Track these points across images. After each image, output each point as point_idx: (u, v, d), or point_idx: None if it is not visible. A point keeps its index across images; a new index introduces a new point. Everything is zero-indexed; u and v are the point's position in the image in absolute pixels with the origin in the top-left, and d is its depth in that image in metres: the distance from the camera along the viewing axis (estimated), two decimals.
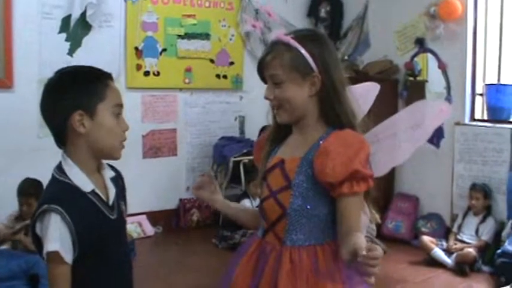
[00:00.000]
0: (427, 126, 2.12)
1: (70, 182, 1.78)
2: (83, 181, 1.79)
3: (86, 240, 1.73)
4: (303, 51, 1.86)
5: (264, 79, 1.95)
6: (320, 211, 1.88)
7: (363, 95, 2.11)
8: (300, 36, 1.91)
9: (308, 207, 1.87)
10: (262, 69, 1.93)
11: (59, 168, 1.81)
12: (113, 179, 1.92)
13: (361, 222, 1.89)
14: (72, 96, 1.77)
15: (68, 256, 1.72)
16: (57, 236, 1.70)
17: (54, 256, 1.70)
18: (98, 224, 1.80)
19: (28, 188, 4.46)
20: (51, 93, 1.82)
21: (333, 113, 1.89)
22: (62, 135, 1.81)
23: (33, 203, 4.41)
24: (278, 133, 2.03)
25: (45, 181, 1.84)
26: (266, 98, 1.93)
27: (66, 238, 1.71)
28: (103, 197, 1.84)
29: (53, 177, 1.81)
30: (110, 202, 1.87)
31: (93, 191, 1.81)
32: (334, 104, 1.88)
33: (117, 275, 1.89)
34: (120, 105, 1.86)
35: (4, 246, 4.44)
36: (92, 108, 1.78)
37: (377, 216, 2.03)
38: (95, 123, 1.79)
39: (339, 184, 1.79)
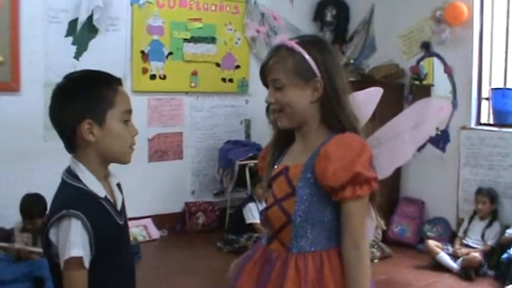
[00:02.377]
0: (427, 125, 2.11)
1: (84, 187, 1.77)
2: (96, 186, 1.79)
3: (100, 245, 1.73)
4: (306, 56, 1.85)
5: (266, 84, 1.94)
6: (325, 217, 1.87)
7: (365, 101, 2.10)
8: (304, 41, 1.90)
9: (313, 213, 1.86)
10: (264, 74, 1.93)
11: (70, 172, 1.80)
12: (117, 185, 1.92)
13: (366, 228, 1.88)
14: (81, 104, 1.76)
15: (87, 261, 1.71)
16: (79, 241, 1.68)
17: (77, 262, 1.68)
18: (110, 229, 1.80)
19: (31, 209, 4.48)
20: (59, 100, 1.80)
21: (335, 119, 1.88)
22: (71, 142, 1.81)
23: (37, 221, 4.44)
24: (281, 140, 2.02)
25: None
26: (267, 101, 1.93)
27: (86, 243, 1.70)
28: (112, 202, 1.85)
29: (65, 181, 1.80)
30: (118, 208, 1.87)
31: (105, 197, 1.81)
32: (337, 110, 1.87)
33: (124, 279, 1.90)
34: (129, 111, 1.84)
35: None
36: (101, 117, 1.77)
37: (382, 222, 2.02)
38: (104, 131, 1.78)
39: (340, 188, 1.78)
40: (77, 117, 1.76)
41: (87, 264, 1.70)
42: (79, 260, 1.68)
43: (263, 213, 1.99)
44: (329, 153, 1.80)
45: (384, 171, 2.01)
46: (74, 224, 1.69)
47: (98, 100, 1.78)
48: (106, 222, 1.79)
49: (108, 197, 1.83)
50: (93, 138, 1.77)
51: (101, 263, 1.74)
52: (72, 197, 1.76)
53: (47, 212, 4.44)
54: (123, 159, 1.86)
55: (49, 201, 4.36)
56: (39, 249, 4.30)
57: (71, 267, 1.69)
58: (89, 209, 1.73)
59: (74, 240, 1.68)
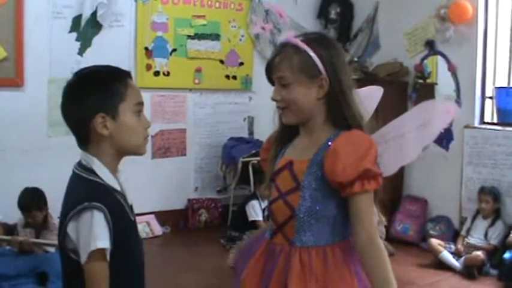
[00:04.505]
0: (434, 127, 2.11)
1: (102, 181, 1.78)
2: (112, 181, 1.80)
3: (117, 239, 1.73)
4: (311, 53, 1.86)
5: (271, 81, 1.95)
6: (329, 212, 1.88)
7: (367, 98, 2.10)
8: (309, 39, 1.91)
9: (317, 208, 1.87)
10: (270, 71, 1.94)
11: (84, 167, 1.80)
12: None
13: (374, 220, 1.89)
14: (93, 99, 1.77)
15: (108, 254, 1.71)
16: (104, 233, 1.68)
17: (101, 253, 1.68)
18: (126, 224, 1.81)
19: (28, 202, 4.48)
20: (70, 96, 1.81)
21: (341, 115, 1.89)
22: (84, 137, 1.81)
23: (37, 214, 4.45)
24: (284, 134, 2.03)
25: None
26: (273, 99, 1.93)
27: (108, 236, 1.71)
28: (125, 197, 1.86)
29: (80, 176, 1.79)
30: (129, 203, 1.88)
31: (120, 191, 1.82)
32: (342, 107, 1.88)
33: (136, 274, 1.90)
34: (140, 103, 1.86)
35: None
36: (114, 110, 1.78)
37: (383, 218, 2.03)
38: (118, 124, 1.79)
39: (349, 184, 1.79)
40: (89, 112, 1.76)
41: (108, 257, 1.71)
42: (103, 252, 1.68)
43: (268, 207, 2.01)
44: (338, 150, 1.81)
45: (389, 169, 2.02)
46: (97, 216, 1.69)
47: (110, 94, 1.79)
48: (123, 216, 1.80)
49: (122, 191, 1.84)
50: (106, 131, 1.78)
51: (114, 258, 1.74)
52: (92, 190, 1.75)
53: (47, 205, 4.48)
54: (139, 151, 1.87)
55: (50, 196, 4.40)
56: (42, 241, 4.34)
57: (95, 259, 1.68)
58: (109, 202, 1.73)
59: (99, 232, 1.68)
